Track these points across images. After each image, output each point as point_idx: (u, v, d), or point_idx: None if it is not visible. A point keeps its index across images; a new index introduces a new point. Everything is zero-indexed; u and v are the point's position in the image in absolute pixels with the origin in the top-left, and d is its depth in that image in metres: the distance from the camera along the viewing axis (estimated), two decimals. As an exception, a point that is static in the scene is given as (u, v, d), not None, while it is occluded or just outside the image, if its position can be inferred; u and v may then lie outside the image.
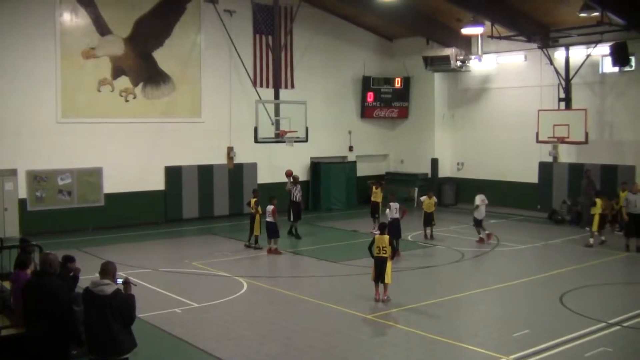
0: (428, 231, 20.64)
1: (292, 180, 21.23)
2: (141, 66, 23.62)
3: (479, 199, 20.06)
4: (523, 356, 10.28)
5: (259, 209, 18.97)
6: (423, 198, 20.84)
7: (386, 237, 13.42)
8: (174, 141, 24.34)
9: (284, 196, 21.01)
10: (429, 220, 20.51)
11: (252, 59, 25.96)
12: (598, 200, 19.15)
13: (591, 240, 19.23)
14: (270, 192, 20.37)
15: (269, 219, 18.57)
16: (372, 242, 13.52)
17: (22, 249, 10.53)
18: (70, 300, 7.92)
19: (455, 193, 28.70)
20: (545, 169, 25.76)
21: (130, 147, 23.35)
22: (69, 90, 22.08)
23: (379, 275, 13.29)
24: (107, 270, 7.60)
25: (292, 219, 20.97)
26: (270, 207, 18.60)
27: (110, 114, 22.93)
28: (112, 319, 7.37)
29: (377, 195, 21.81)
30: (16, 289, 9.17)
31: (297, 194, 21.00)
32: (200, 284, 15.35)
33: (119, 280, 7.69)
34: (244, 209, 23.93)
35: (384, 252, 13.24)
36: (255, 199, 19.20)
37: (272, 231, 18.52)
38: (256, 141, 21.24)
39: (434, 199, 20.85)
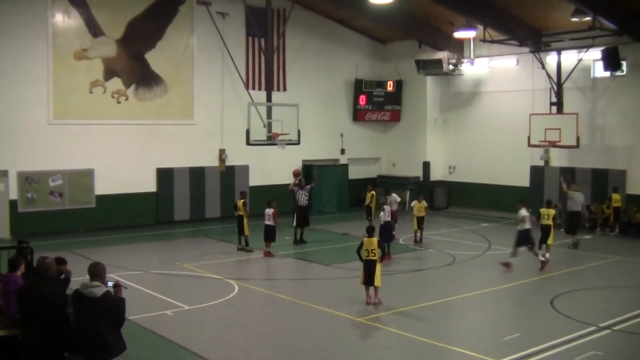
0: (418, 235, 20.67)
1: (297, 182, 20.81)
2: (133, 68, 23.56)
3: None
4: (514, 359, 10.31)
5: (247, 210, 18.94)
6: (413, 203, 20.88)
7: (375, 239, 13.41)
8: (165, 143, 24.28)
9: (281, 198, 20.81)
10: (419, 224, 20.55)
11: (245, 62, 25.93)
12: (552, 211, 17.65)
13: (540, 254, 16.93)
14: (267, 195, 20.38)
15: (269, 222, 18.46)
16: (361, 245, 13.51)
17: (17, 250, 10.53)
18: (65, 305, 7.86)
19: (447, 196, 28.78)
20: (536, 172, 25.80)
21: (122, 149, 23.27)
22: (61, 92, 21.99)
23: (368, 278, 13.29)
24: (96, 272, 7.53)
25: (295, 224, 20.36)
26: (270, 211, 18.47)
27: (102, 116, 22.86)
28: (101, 321, 7.31)
29: (369, 199, 21.89)
30: (6, 290, 9.14)
31: (300, 198, 20.45)
32: (192, 286, 15.30)
33: (110, 283, 7.64)
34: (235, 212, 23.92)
35: (373, 254, 13.24)
36: (242, 200, 19.18)
37: (270, 234, 18.49)
38: (248, 143, 21.20)
39: (424, 202, 20.90)
